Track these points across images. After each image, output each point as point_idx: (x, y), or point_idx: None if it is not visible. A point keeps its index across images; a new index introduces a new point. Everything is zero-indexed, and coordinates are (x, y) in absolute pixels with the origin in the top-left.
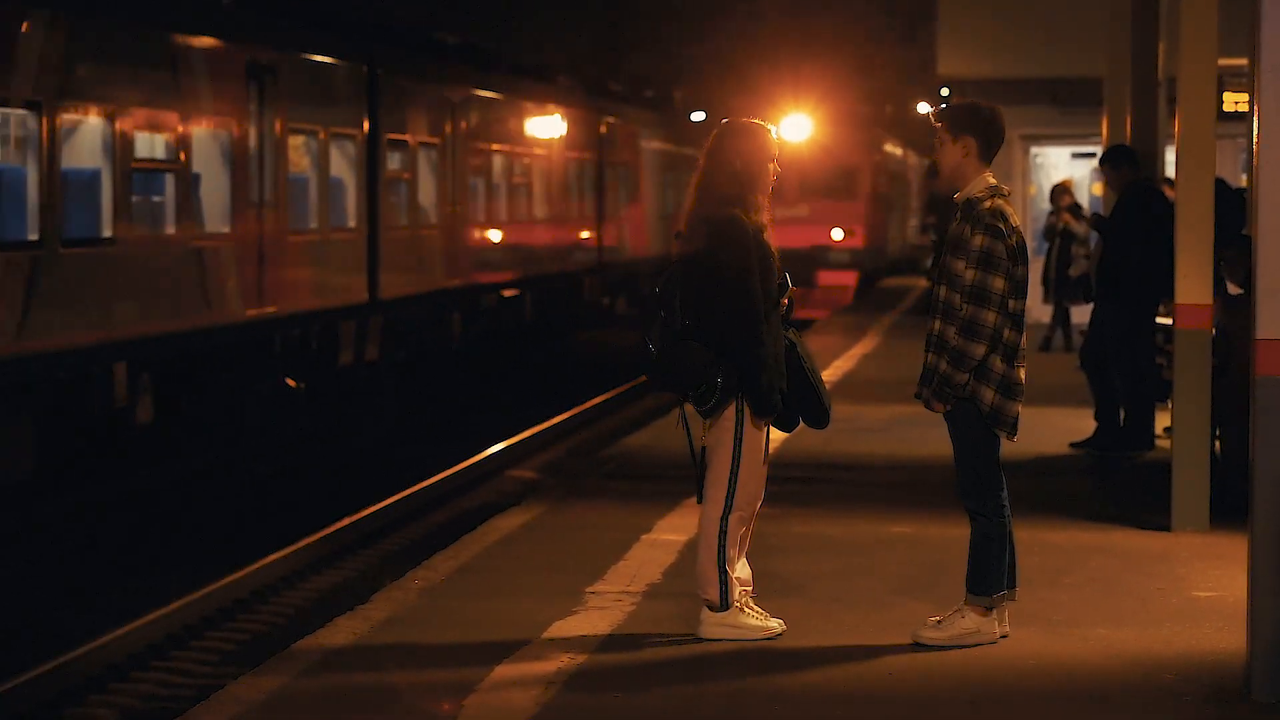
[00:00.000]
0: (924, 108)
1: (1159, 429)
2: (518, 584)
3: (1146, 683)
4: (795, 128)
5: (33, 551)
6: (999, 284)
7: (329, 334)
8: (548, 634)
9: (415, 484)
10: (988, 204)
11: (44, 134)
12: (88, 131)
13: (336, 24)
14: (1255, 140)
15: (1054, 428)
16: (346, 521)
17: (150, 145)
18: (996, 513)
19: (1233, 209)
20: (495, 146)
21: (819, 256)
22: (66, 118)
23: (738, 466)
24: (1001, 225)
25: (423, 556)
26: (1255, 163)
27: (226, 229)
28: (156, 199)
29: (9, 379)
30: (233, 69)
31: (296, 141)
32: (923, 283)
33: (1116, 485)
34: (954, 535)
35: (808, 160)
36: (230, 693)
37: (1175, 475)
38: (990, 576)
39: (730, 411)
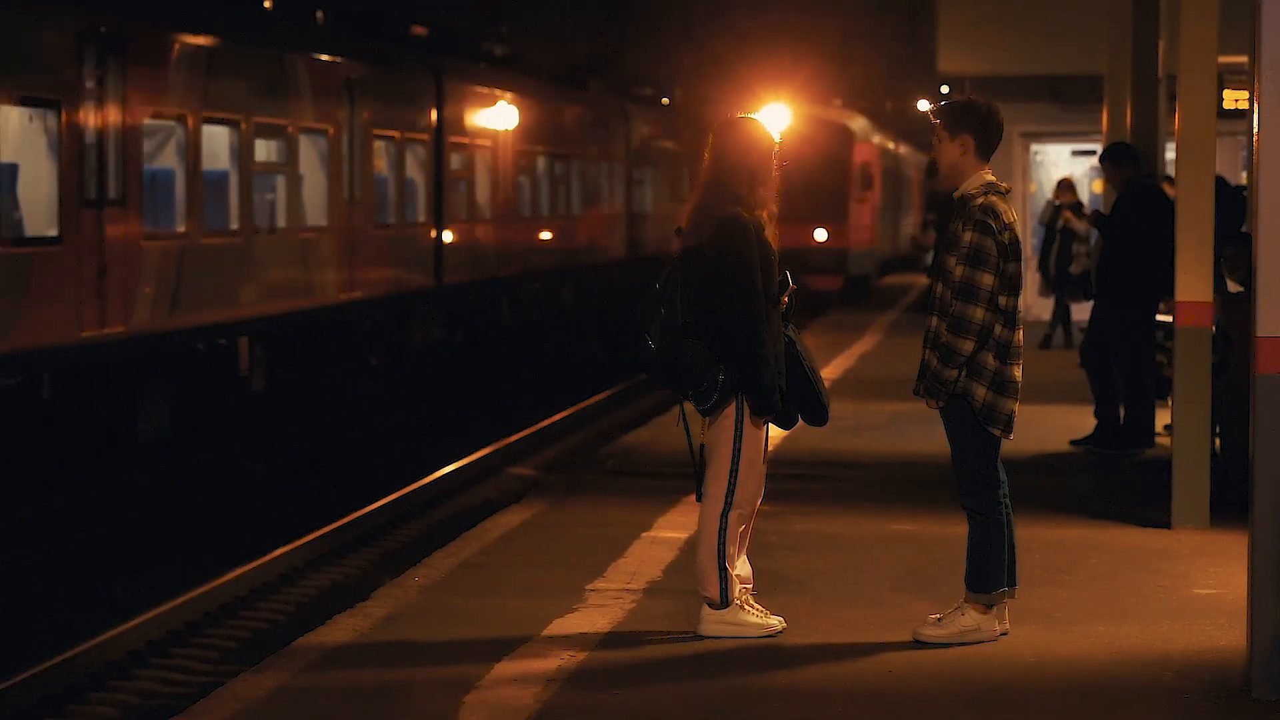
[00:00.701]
0: (924, 105)
1: (1159, 426)
2: (518, 581)
3: (1147, 680)
4: (773, 118)
5: (34, 548)
6: (988, 280)
7: (403, 316)
8: (548, 631)
9: (416, 481)
10: (980, 200)
11: (189, 142)
12: (220, 139)
13: (407, 37)
14: (1255, 138)
15: (1054, 425)
16: (347, 519)
17: (267, 150)
18: (995, 510)
19: (1233, 206)
20: (538, 147)
21: (800, 259)
22: (205, 128)
23: (737, 464)
24: (992, 222)
25: (423, 554)
26: (1255, 160)
27: (324, 223)
28: (270, 196)
29: (163, 349)
30: (331, 83)
31: (379, 145)
32: (923, 280)
33: (1117, 483)
34: (954, 533)
35: (787, 154)
36: (231, 690)
37: (1175, 473)
38: (990, 574)
39: (730, 409)
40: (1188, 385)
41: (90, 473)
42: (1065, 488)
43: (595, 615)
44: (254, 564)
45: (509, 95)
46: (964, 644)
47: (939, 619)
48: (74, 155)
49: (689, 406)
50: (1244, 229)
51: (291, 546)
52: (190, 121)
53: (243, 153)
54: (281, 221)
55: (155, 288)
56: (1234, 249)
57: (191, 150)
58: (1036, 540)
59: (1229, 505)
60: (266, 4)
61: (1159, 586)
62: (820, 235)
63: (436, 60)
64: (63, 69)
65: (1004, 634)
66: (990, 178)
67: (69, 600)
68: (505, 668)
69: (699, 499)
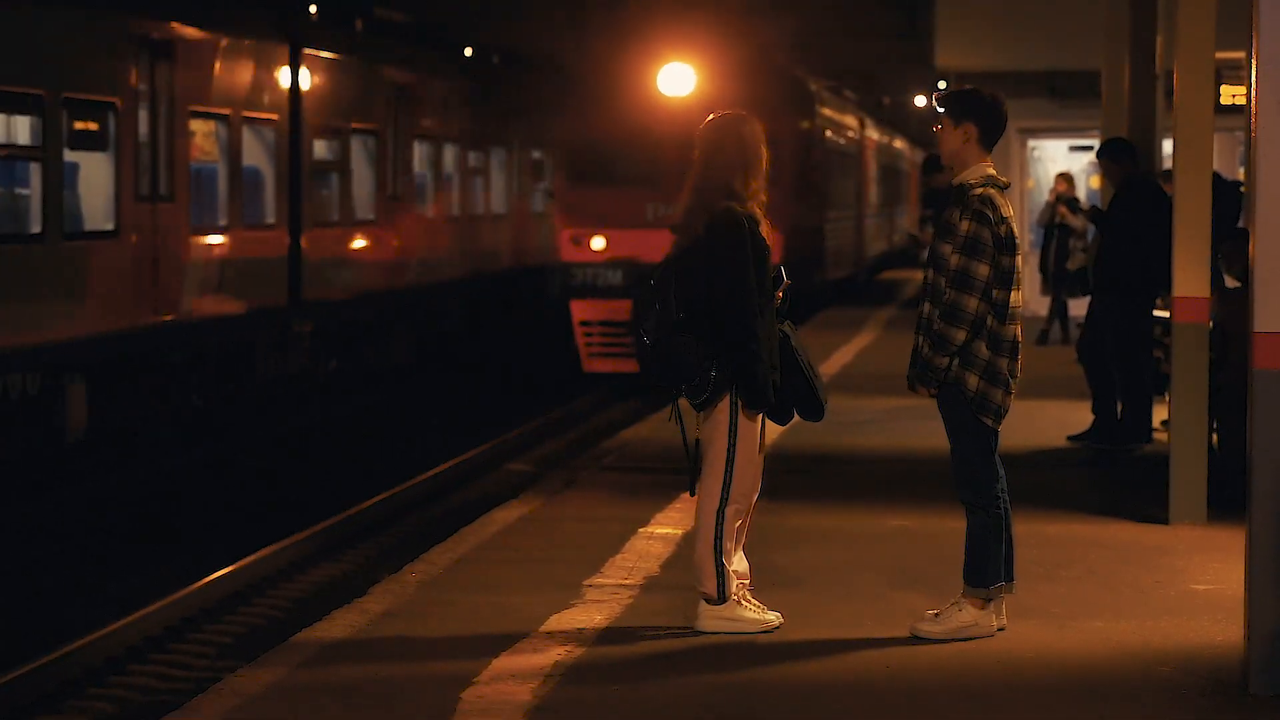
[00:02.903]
0: (921, 100)
1: (1156, 422)
2: (515, 577)
3: (1144, 676)
4: (675, 80)
5: (31, 544)
6: (983, 270)
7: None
8: (545, 627)
9: (413, 477)
10: (979, 191)
11: (281, 143)
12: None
13: (457, 45)
14: (1252, 133)
15: (1051, 421)
16: (345, 515)
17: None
18: (993, 505)
19: (1230, 202)
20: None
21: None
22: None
23: (733, 459)
24: (989, 212)
25: (421, 549)
26: (1253, 156)
27: (372, 216)
28: (325, 192)
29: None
30: (381, 90)
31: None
32: (920, 275)
33: (1114, 478)
34: (952, 528)
35: (698, 129)
36: (228, 685)
37: (1173, 468)
38: (988, 569)
39: (724, 404)
40: (1185, 381)
41: (88, 469)
42: (1063, 483)
43: (593, 611)
44: (251, 559)
45: (400, 69)
46: (961, 639)
47: (936, 614)
48: None
49: (684, 402)
50: (1241, 224)
51: (289, 542)
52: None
53: (305, 151)
54: (334, 215)
55: None
56: (1231, 244)
57: (284, 150)
58: (1034, 536)
59: (1226, 501)
60: None
61: (1156, 582)
62: None
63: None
64: None
65: (1001, 629)
66: (991, 170)
67: (67, 596)
68: (503, 663)
69: (692, 494)
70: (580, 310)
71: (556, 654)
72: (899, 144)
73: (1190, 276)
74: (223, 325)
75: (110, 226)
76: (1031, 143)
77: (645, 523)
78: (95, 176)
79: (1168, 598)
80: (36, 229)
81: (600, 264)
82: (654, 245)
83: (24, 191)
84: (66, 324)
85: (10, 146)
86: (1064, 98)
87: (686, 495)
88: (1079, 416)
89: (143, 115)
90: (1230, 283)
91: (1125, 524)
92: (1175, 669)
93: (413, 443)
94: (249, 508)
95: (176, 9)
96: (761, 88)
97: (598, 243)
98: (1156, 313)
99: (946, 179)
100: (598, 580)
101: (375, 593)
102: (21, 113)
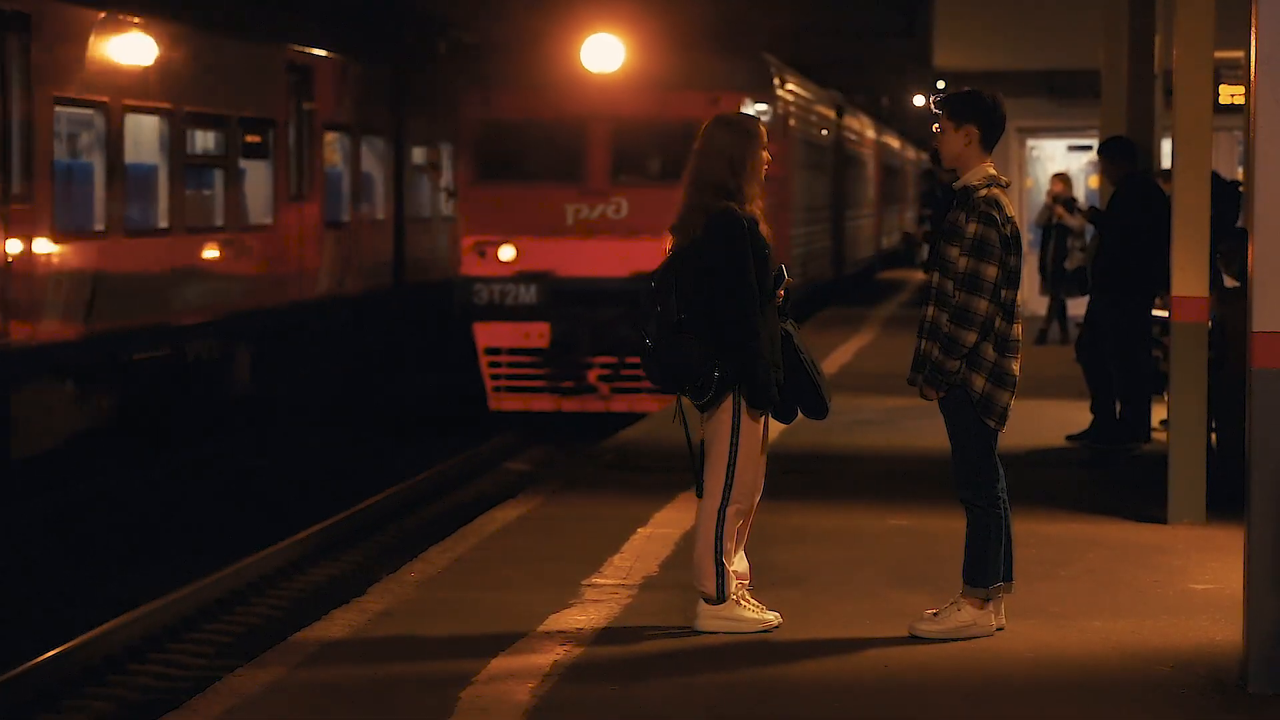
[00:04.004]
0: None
1: (1155, 422)
2: (514, 576)
3: (1143, 675)
4: (601, 53)
5: (29, 544)
6: (992, 272)
7: None
8: (544, 626)
9: (412, 476)
10: (983, 192)
11: (352, 150)
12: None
13: None
14: (1251, 133)
15: (1050, 420)
16: (344, 514)
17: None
18: (993, 504)
19: (1229, 202)
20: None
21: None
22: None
23: (735, 458)
24: (996, 214)
25: (419, 549)
26: (1251, 155)
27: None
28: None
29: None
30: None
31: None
32: (919, 275)
33: (1113, 478)
34: (951, 527)
35: (628, 116)
36: (227, 685)
37: (1171, 468)
38: (987, 569)
39: (727, 404)
40: (1184, 380)
41: (88, 467)
42: (1062, 483)
43: (591, 610)
44: (251, 559)
45: (162, 28)
46: (960, 639)
47: (935, 614)
48: None
49: (687, 402)
50: (1240, 224)
51: (288, 542)
52: (352, 135)
53: (352, 158)
54: (380, 214)
55: None
56: (1230, 244)
57: (351, 156)
58: (1033, 535)
59: (1225, 500)
60: None
61: (1155, 581)
62: None
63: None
64: None
65: (1000, 629)
66: (992, 170)
67: (66, 595)
68: (501, 663)
69: (699, 495)
70: (485, 335)
71: (555, 654)
72: (890, 139)
73: (1189, 276)
74: (345, 305)
75: (269, 221)
76: (1030, 142)
77: (644, 522)
78: (258, 180)
79: (1166, 597)
80: (219, 222)
81: (509, 279)
82: (576, 256)
83: (208, 193)
84: (240, 300)
85: (203, 157)
86: (1063, 97)
87: (685, 495)
88: (1078, 416)
89: (292, 131)
90: (1229, 282)
91: (1124, 523)
92: (1174, 668)
93: (413, 441)
94: (248, 507)
95: (314, 37)
96: (707, 64)
97: (506, 253)
98: (1155, 312)
99: (950, 176)
100: (596, 580)
101: (374, 592)
102: (212, 129)
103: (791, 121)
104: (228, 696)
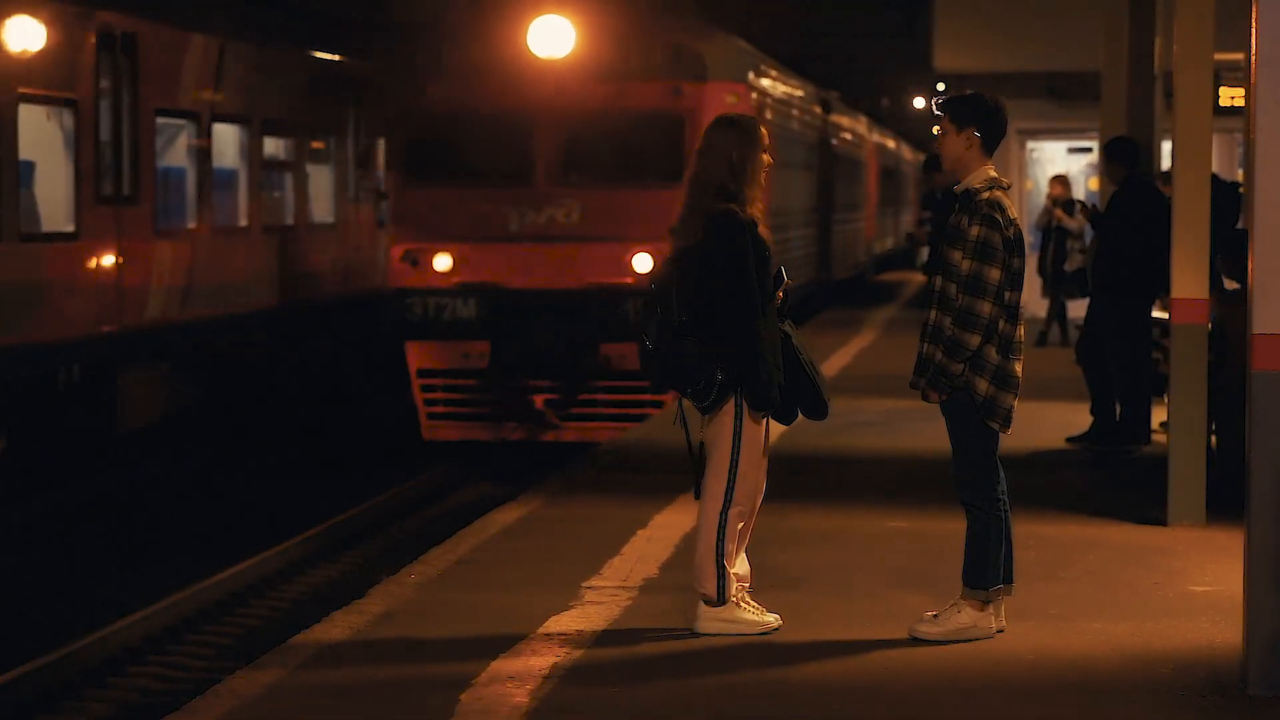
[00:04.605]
0: (920, 102)
1: (1155, 424)
2: (514, 578)
3: (1143, 677)
4: (550, 37)
5: (29, 545)
6: (995, 274)
7: None
8: (544, 628)
9: (412, 478)
10: (986, 195)
11: (379, 156)
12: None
13: None
14: (1251, 134)
15: (1050, 422)
16: (344, 516)
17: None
18: (993, 506)
19: (1229, 203)
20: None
21: (603, 313)
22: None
23: (737, 460)
24: (999, 216)
25: (420, 551)
26: (1251, 157)
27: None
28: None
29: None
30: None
31: None
32: (919, 278)
33: (1113, 480)
34: (952, 529)
35: (579, 108)
36: (228, 687)
37: (1171, 470)
38: (987, 571)
39: (729, 407)
40: (1184, 382)
41: (87, 469)
42: (1062, 485)
43: (592, 612)
44: (251, 561)
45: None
46: (960, 641)
47: (935, 616)
48: None
49: (688, 404)
50: (1240, 226)
51: (288, 544)
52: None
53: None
54: (290, 220)
55: None
56: (1229, 256)
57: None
58: (1033, 537)
59: (1225, 502)
60: None
61: (1155, 583)
62: (642, 263)
63: None
64: None
65: (1000, 631)
66: (993, 173)
67: (66, 597)
68: (502, 665)
69: (697, 497)
70: (418, 355)
71: (555, 655)
72: (888, 140)
73: (1189, 278)
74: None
75: (331, 220)
76: (1030, 144)
77: (644, 524)
78: (321, 184)
79: (1166, 599)
80: (290, 221)
81: (445, 291)
82: (521, 266)
83: (279, 194)
84: (312, 292)
85: (275, 162)
86: (1063, 99)
87: (685, 497)
88: (1078, 418)
89: (349, 140)
90: (1229, 284)
91: (1124, 525)
92: (1174, 670)
93: (412, 439)
94: (247, 509)
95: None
96: (668, 49)
97: (441, 262)
98: (1155, 314)
99: (947, 179)
100: (596, 582)
101: (374, 594)
102: (284, 137)
103: (767, 114)
104: (228, 698)
